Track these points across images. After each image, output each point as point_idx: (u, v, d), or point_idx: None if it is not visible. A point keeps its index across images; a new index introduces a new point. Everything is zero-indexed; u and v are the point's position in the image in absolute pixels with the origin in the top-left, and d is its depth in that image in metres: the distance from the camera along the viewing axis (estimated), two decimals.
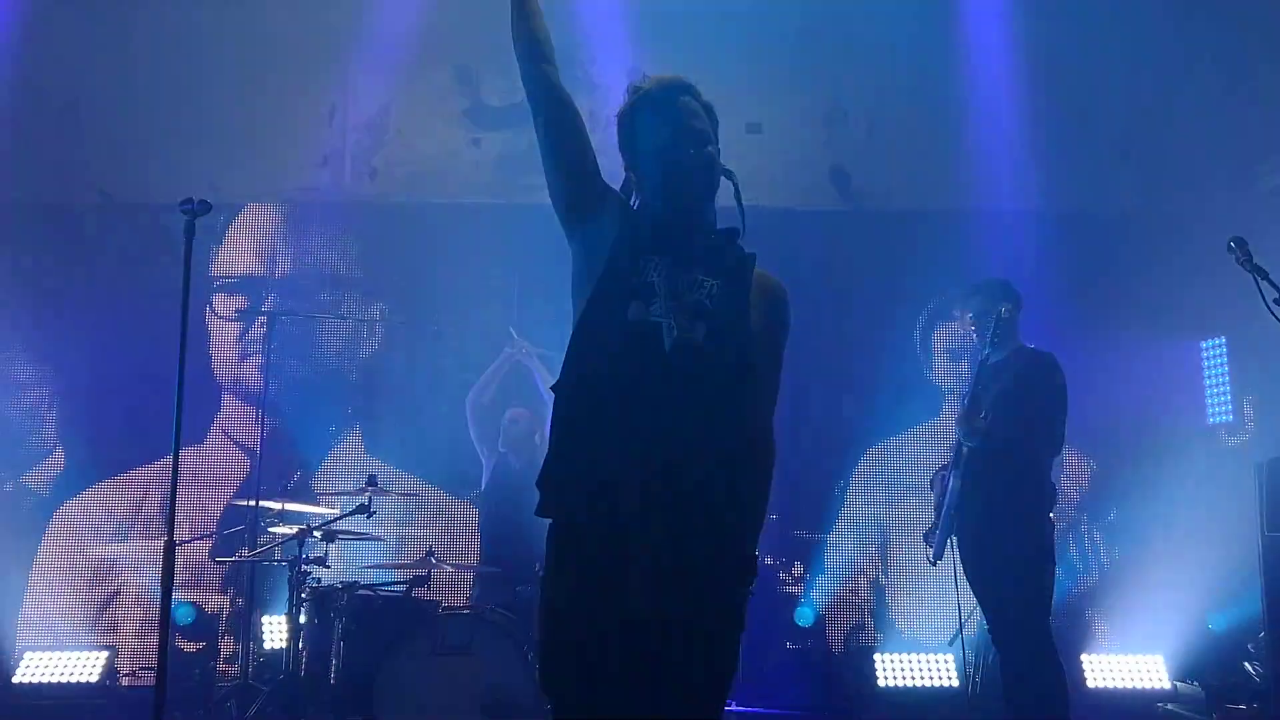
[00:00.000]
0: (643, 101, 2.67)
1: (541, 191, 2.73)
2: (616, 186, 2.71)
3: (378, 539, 6.12)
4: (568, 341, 2.54)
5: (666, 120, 2.62)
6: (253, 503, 6.04)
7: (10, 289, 6.95)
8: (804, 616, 7.00)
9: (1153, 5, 6.46)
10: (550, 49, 2.73)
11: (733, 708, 5.78)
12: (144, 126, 6.66)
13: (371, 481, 5.82)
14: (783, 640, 6.80)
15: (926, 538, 4.98)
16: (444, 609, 5.50)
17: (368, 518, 5.60)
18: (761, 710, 5.86)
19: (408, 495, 6.64)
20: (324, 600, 5.57)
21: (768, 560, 6.70)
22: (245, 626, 5.97)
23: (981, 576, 4.72)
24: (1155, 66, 6.71)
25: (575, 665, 2.42)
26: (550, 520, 2.53)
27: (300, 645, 5.49)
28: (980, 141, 6.87)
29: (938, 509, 4.91)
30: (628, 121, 2.69)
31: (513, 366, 6.68)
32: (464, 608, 5.71)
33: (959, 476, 4.77)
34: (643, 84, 2.70)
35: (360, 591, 5.61)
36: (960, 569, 4.78)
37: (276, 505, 5.96)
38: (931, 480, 5.08)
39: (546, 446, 2.54)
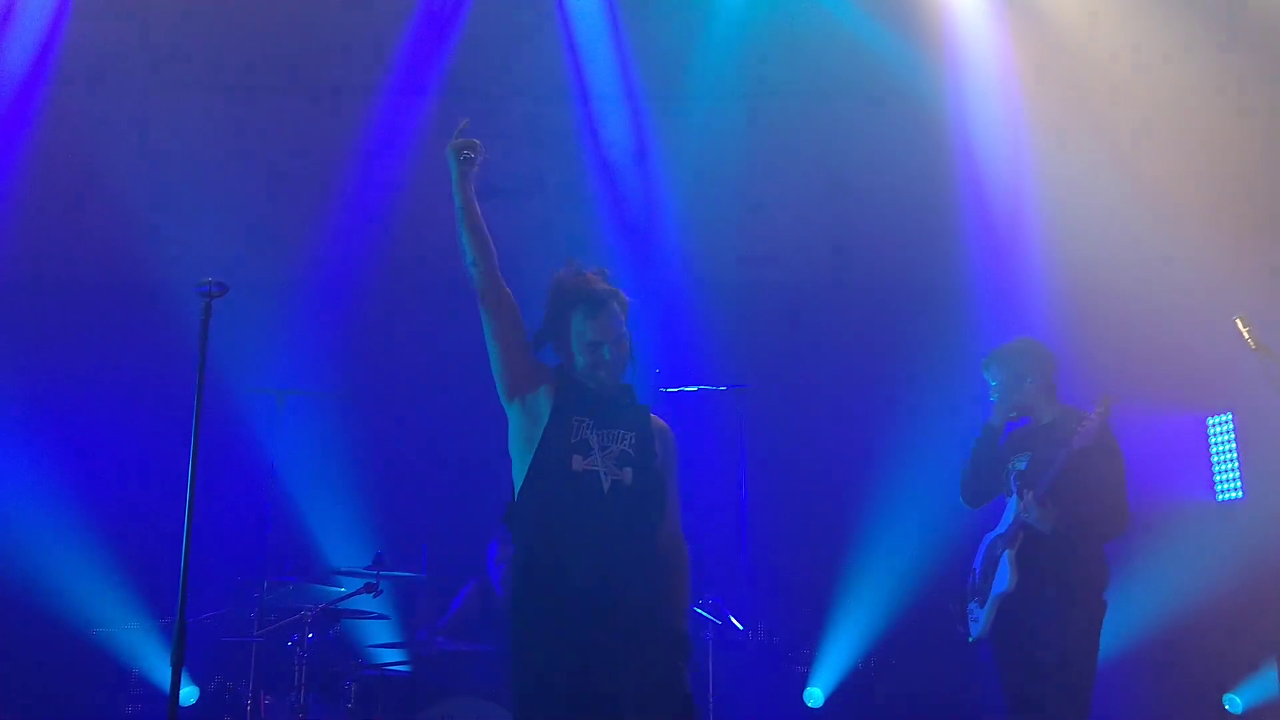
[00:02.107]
0: (579, 303, 3.40)
1: None
2: None
3: (384, 618, 6.07)
4: (519, 484, 3.29)
5: (598, 327, 3.38)
6: (260, 580, 6.00)
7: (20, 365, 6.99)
8: (813, 698, 6.92)
9: None
10: (494, 253, 3.36)
11: None
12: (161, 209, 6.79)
13: (379, 560, 5.81)
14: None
15: (956, 609, 4.70)
16: (449, 688, 5.46)
17: (375, 597, 5.58)
18: None
19: (414, 574, 6.58)
20: (330, 680, 5.53)
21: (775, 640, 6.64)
22: (250, 706, 5.90)
23: (1021, 661, 4.43)
24: None
25: None
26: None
27: None
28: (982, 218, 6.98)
29: (979, 580, 4.60)
30: (563, 312, 3.41)
31: None
32: (469, 689, 5.65)
33: (1013, 555, 4.44)
34: (579, 280, 3.44)
35: (367, 671, 5.58)
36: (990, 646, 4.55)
37: (284, 583, 5.93)
38: (982, 552, 4.67)
39: None
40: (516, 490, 3.31)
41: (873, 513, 7.07)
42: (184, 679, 6.25)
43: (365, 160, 7.38)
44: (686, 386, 7.27)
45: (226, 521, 6.46)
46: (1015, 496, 4.52)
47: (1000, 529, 4.59)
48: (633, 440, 3.33)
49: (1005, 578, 4.43)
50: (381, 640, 6.12)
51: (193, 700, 6.43)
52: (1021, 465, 4.58)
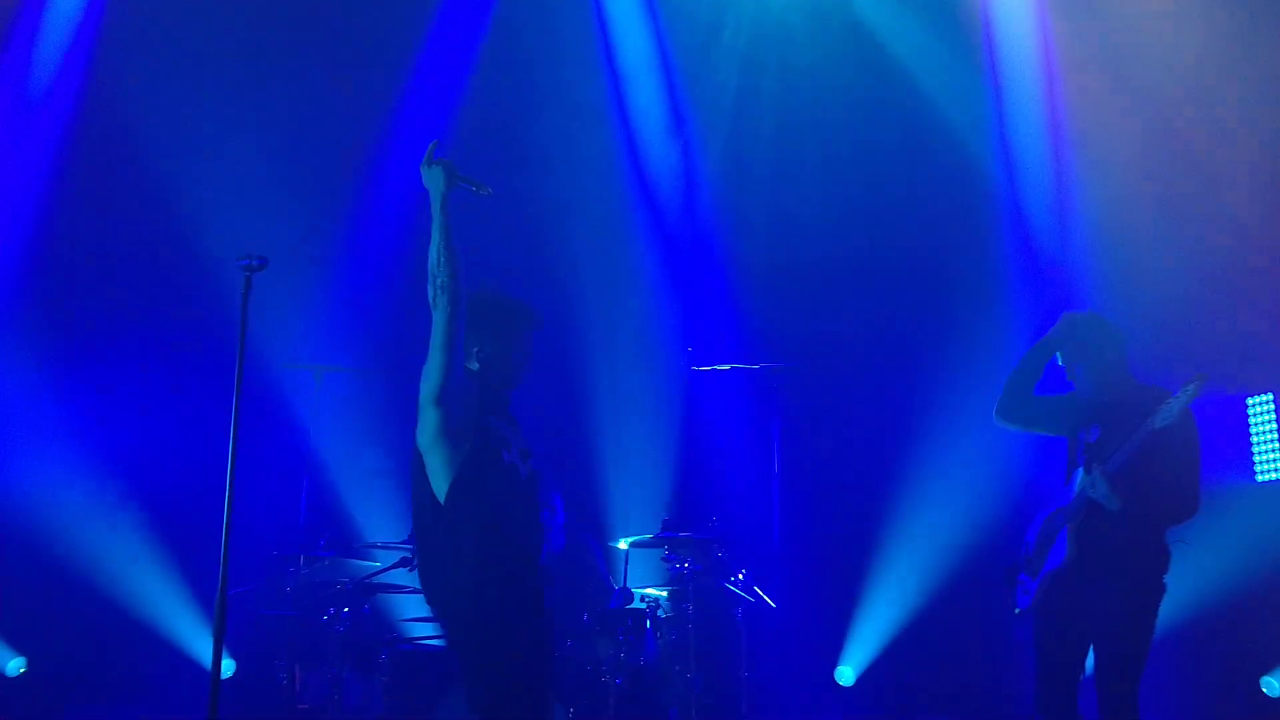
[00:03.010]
0: (530, 321, 3.87)
1: None
2: None
3: (419, 592, 6.10)
4: (450, 476, 3.62)
5: (528, 349, 3.86)
6: (295, 555, 6.06)
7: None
8: (844, 676, 6.93)
9: None
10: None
11: None
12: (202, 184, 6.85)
13: (412, 535, 5.85)
14: (824, 699, 6.72)
15: (1006, 578, 4.59)
16: None
17: (410, 571, 5.62)
18: None
19: None
20: (365, 654, 5.58)
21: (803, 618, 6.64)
22: (286, 680, 5.97)
23: (1069, 639, 4.35)
24: None
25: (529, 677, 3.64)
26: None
27: (342, 699, 5.50)
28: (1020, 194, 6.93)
29: (1032, 553, 4.48)
30: (514, 326, 3.84)
31: None
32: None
33: (1074, 530, 4.30)
34: (517, 301, 3.87)
35: (402, 646, 5.63)
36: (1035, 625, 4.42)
37: (320, 558, 5.98)
38: (1039, 525, 4.53)
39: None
40: (445, 484, 3.61)
41: (907, 491, 7.04)
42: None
43: (404, 135, 7.41)
44: (719, 365, 7.28)
45: (263, 496, 6.51)
46: (1081, 470, 4.36)
47: (1062, 502, 4.44)
48: (524, 435, 3.88)
49: (1061, 553, 4.32)
50: (416, 614, 6.17)
51: (229, 674, 6.52)
52: (1091, 438, 4.43)
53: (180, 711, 6.31)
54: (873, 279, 7.38)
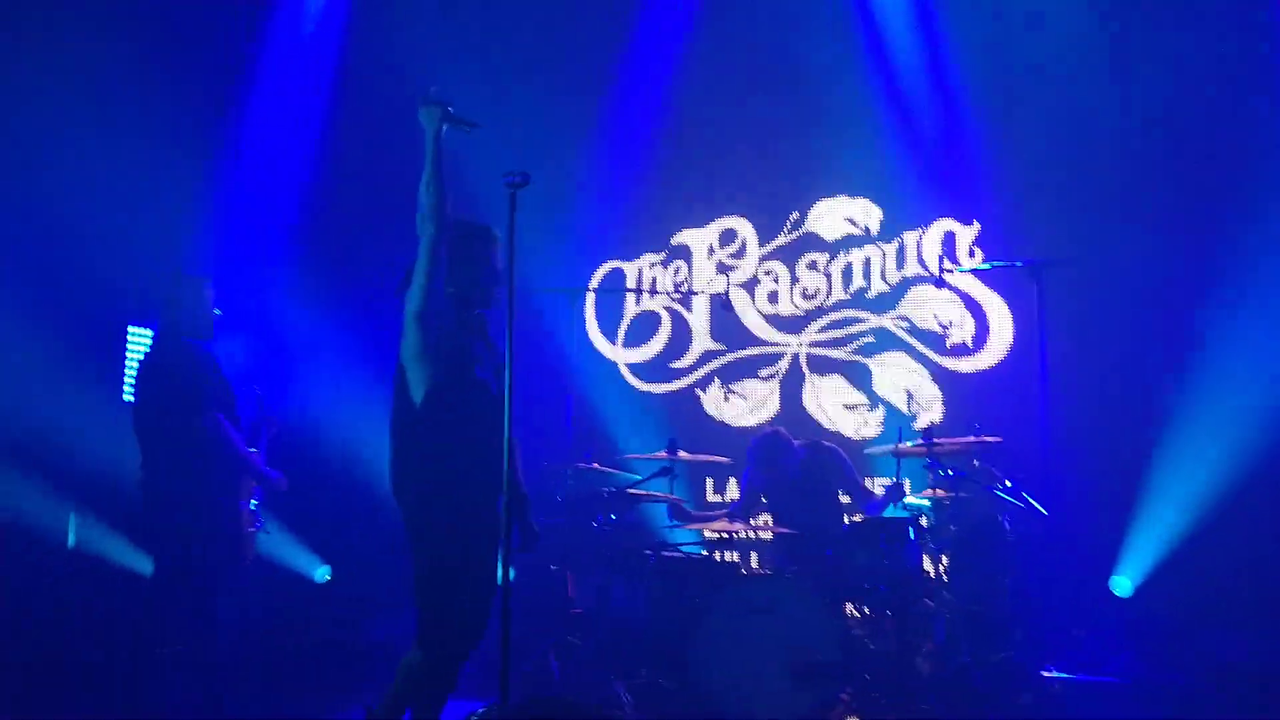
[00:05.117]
0: (491, 239, 4.17)
1: None
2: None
3: (680, 501, 6.27)
4: (426, 387, 3.98)
5: (496, 269, 4.16)
6: (568, 465, 6.33)
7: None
8: (1121, 586, 6.61)
9: None
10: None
11: (1053, 674, 5.55)
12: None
13: (672, 447, 6.00)
14: (1100, 608, 6.45)
15: None
16: (746, 571, 5.59)
17: (670, 480, 5.77)
18: (1084, 678, 5.60)
19: (707, 459, 6.75)
20: (632, 561, 5.79)
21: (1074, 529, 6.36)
22: (557, 585, 6.28)
23: None
24: None
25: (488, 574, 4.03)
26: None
27: (610, 605, 5.75)
28: None
29: None
30: (480, 244, 4.15)
31: None
32: (765, 570, 5.77)
33: None
34: (475, 222, 4.17)
35: (665, 553, 5.79)
36: None
37: (587, 467, 6.22)
38: None
39: None
40: (420, 394, 3.97)
41: (1186, 396, 6.57)
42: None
43: (642, 48, 7.48)
44: (979, 264, 7.00)
45: (534, 412, 6.80)
46: None
47: None
48: (497, 352, 4.16)
49: None
50: (675, 523, 6.33)
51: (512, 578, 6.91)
52: None
53: None
54: (1151, 168, 6.85)
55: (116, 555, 6.08)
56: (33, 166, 6.25)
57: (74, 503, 6.18)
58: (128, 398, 6.24)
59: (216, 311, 5.22)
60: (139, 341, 6.55)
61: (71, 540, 6.19)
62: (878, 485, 6.68)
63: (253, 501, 5.25)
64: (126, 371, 6.49)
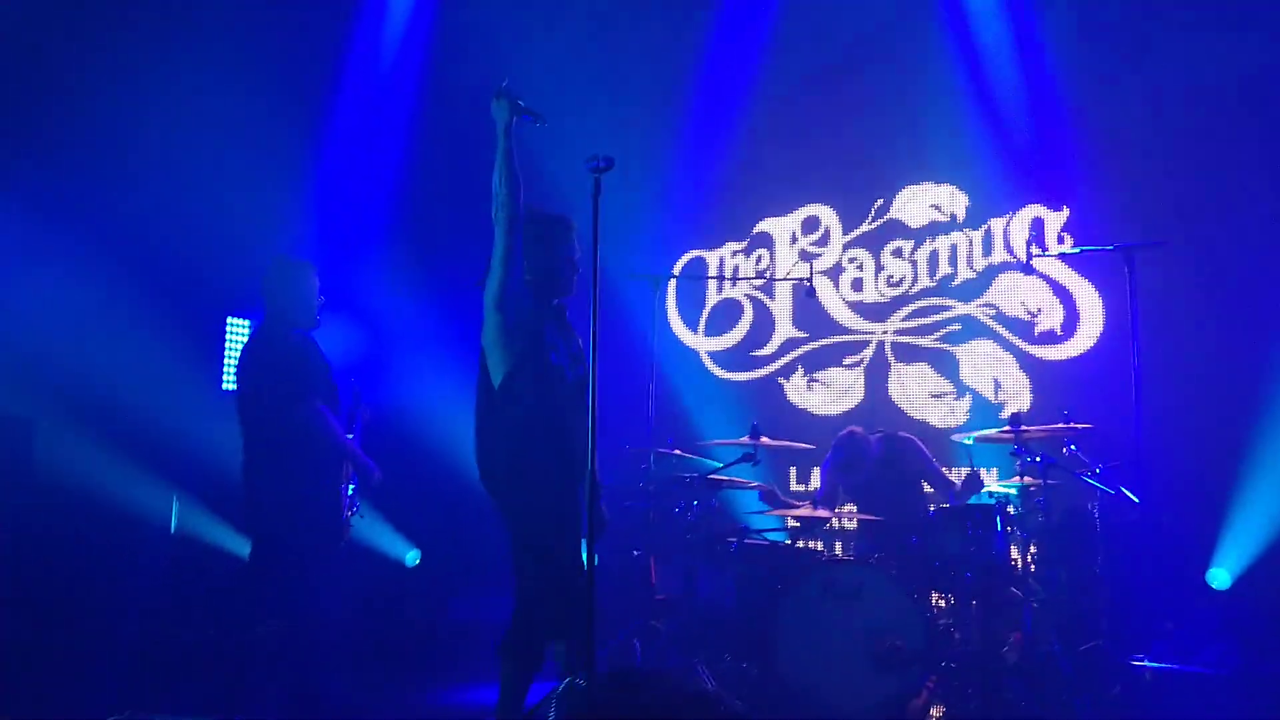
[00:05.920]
0: (569, 231, 4.26)
1: None
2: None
3: (761, 488, 6.28)
4: (505, 370, 4.08)
5: (573, 258, 4.26)
6: (650, 451, 6.37)
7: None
8: (1218, 579, 6.46)
9: None
10: None
11: (1143, 663, 5.44)
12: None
13: (755, 432, 6.00)
14: (1196, 602, 6.30)
15: None
16: (830, 558, 5.58)
17: (753, 466, 5.78)
18: (1177, 668, 5.48)
19: (790, 445, 6.74)
20: (716, 546, 5.82)
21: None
22: (640, 570, 6.32)
23: None
24: None
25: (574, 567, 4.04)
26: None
27: (697, 591, 5.78)
28: None
29: None
30: (560, 236, 4.24)
31: None
32: (849, 556, 5.75)
33: None
34: (553, 214, 4.25)
35: (749, 540, 5.81)
36: None
37: (668, 452, 6.25)
38: None
39: None
40: (500, 377, 4.07)
41: None
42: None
43: (723, 45, 7.48)
44: (1068, 249, 6.88)
45: (617, 397, 6.86)
46: None
47: None
48: (576, 341, 4.28)
49: None
50: (762, 508, 6.34)
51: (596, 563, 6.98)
52: None
53: None
54: (1244, 150, 6.66)
55: (217, 540, 6.26)
56: (134, 162, 6.48)
57: (176, 489, 6.38)
58: (228, 386, 6.44)
59: (320, 299, 5.16)
60: (238, 332, 6.74)
61: (174, 525, 6.40)
62: (958, 475, 6.61)
63: (350, 487, 5.32)
64: (226, 361, 6.69)
